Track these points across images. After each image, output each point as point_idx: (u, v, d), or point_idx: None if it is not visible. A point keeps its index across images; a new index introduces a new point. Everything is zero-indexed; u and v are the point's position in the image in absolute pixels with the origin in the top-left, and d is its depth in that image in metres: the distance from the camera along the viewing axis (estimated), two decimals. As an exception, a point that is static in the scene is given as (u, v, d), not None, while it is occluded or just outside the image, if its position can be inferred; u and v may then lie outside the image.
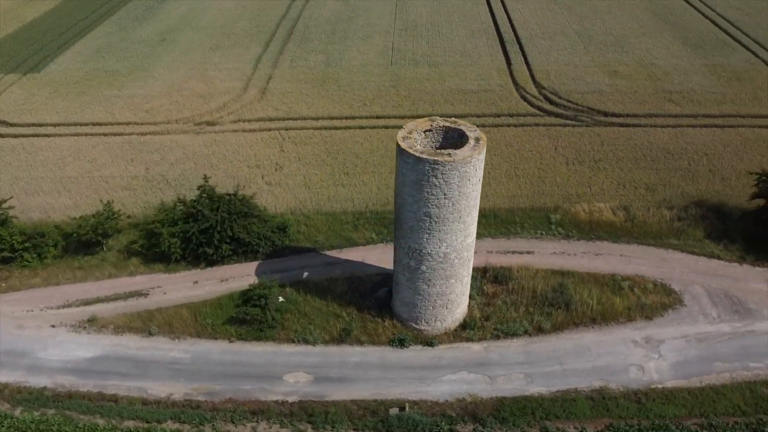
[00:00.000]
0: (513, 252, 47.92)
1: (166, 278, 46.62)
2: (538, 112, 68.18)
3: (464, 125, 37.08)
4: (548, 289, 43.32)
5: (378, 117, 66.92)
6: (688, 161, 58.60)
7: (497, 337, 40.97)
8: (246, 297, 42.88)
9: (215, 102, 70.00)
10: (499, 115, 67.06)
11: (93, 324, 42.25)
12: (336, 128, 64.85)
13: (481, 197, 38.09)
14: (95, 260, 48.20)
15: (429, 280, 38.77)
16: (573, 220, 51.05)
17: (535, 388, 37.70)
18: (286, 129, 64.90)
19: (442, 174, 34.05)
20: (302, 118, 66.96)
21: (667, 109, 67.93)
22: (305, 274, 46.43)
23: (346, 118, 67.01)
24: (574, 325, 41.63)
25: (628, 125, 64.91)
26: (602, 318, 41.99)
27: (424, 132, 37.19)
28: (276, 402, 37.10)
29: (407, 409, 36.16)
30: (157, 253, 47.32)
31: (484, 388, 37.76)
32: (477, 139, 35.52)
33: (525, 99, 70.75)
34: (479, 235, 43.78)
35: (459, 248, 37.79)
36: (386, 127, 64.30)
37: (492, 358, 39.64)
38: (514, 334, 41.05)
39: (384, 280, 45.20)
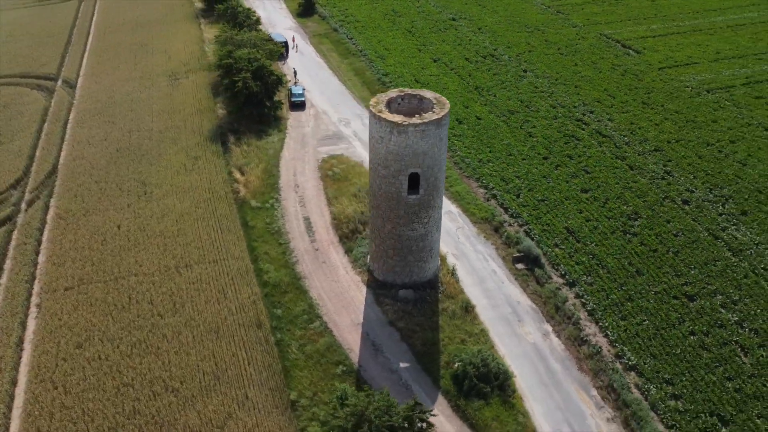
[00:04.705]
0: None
1: None
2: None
3: (400, 90, 42.29)
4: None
5: None
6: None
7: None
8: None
9: None
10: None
11: None
12: None
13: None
14: None
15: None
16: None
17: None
18: None
19: (448, 118, 40.75)
20: None
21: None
22: (401, 364, 39.38)
23: None
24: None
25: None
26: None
27: (392, 102, 41.12)
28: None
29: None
30: None
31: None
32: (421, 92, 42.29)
33: None
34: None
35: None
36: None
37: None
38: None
39: (383, 288, 44.83)
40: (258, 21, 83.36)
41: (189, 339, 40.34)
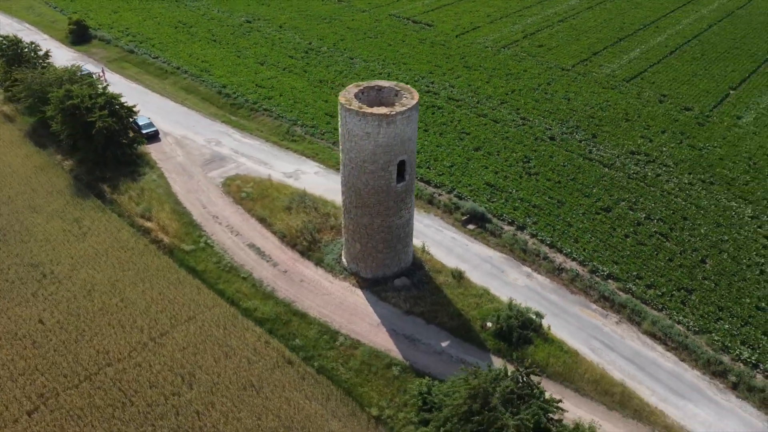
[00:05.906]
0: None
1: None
2: None
3: (356, 84, 41.30)
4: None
5: None
6: None
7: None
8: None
9: None
10: None
11: None
12: None
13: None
14: None
15: (405, 195, 46.18)
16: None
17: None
18: None
19: (417, 100, 41.80)
20: None
21: None
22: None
23: None
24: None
25: None
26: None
27: (355, 97, 40.49)
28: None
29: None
30: None
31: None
32: (378, 83, 41.86)
33: None
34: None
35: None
36: None
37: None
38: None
39: (377, 285, 44.60)
40: (47, 55, 70.63)
41: (228, 405, 35.38)
